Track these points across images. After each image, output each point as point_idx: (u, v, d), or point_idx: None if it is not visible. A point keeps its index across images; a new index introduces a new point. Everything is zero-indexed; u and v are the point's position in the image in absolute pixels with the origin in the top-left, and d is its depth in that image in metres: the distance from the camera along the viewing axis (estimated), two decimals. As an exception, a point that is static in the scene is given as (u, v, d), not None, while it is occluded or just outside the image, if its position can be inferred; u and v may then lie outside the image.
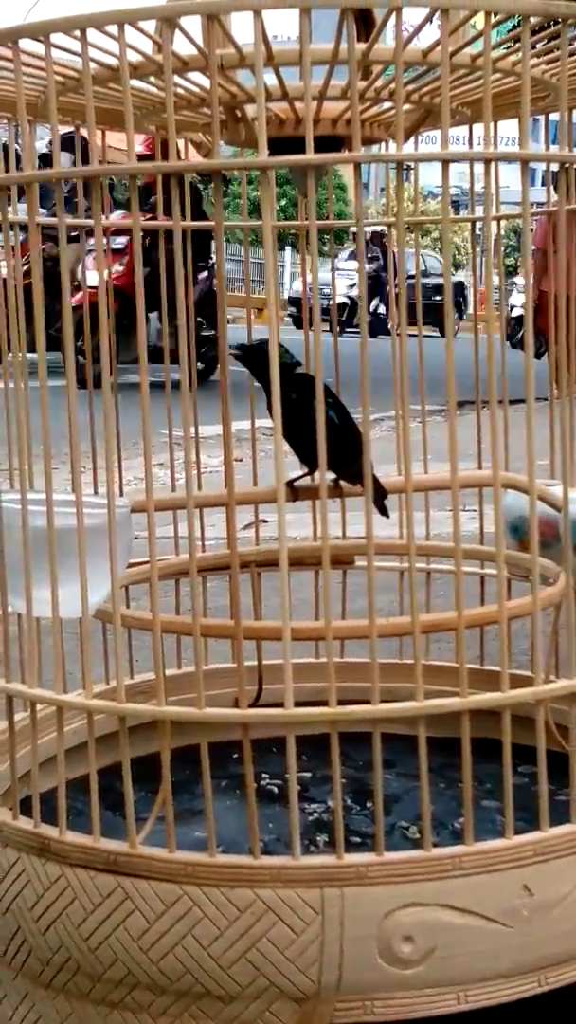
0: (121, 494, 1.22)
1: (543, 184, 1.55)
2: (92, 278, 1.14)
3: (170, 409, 1.27)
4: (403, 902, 0.77)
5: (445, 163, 0.75)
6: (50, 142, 0.81)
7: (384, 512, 1.03)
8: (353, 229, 1.12)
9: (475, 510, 1.33)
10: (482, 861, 0.78)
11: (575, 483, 0.94)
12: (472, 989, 0.77)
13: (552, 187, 1.24)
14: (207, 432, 1.49)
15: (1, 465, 1.02)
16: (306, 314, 1.61)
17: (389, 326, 1.35)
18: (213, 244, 0.82)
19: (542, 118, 1.14)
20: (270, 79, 0.87)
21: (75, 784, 0.89)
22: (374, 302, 9.08)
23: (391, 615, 1.36)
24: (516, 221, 1.22)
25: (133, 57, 0.81)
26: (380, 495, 1.01)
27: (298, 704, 0.77)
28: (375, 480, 0.98)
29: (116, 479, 1.14)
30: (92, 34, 0.74)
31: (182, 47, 0.79)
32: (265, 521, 1.51)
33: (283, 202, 11.26)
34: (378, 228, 1.38)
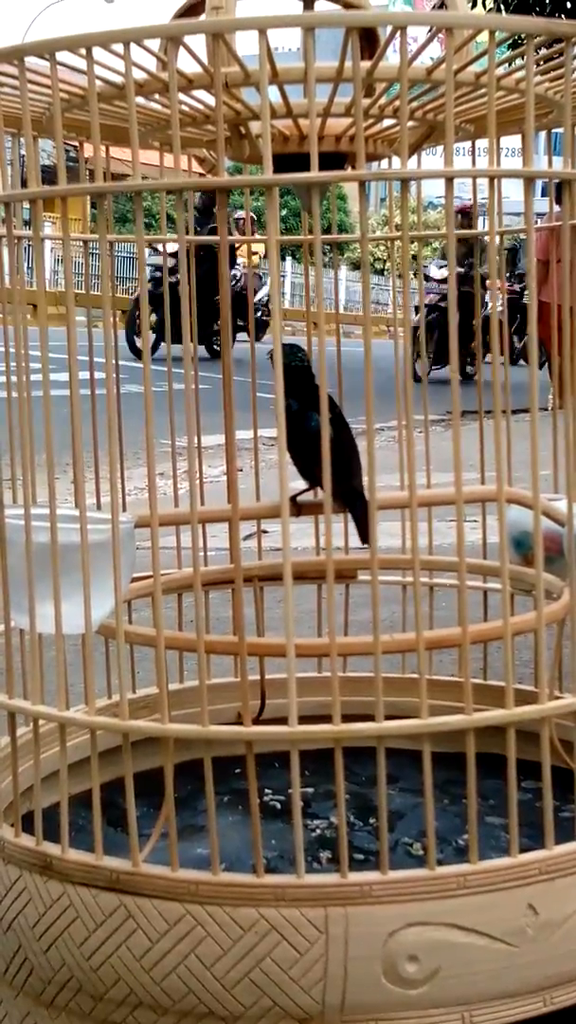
0: (124, 505, 1.22)
1: (544, 195, 1.55)
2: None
3: (173, 418, 1.27)
4: (408, 921, 0.76)
5: (449, 180, 0.75)
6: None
7: (366, 541, 1.03)
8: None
9: (476, 520, 1.32)
10: (487, 880, 0.78)
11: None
12: (477, 1009, 0.77)
13: (554, 198, 1.24)
14: (208, 442, 1.49)
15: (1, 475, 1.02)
16: (309, 326, 1.61)
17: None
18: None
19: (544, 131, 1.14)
20: (274, 95, 0.87)
21: (77, 799, 0.89)
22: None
23: (393, 626, 1.36)
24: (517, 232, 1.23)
25: (138, 75, 0.81)
26: (363, 533, 1.01)
27: (302, 719, 0.76)
28: (363, 511, 0.97)
29: (119, 491, 1.14)
30: (97, 52, 0.74)
31: (187, 64, 0.79)
32: (266, 532, 1.51)
33: (283, 212, 11.29)
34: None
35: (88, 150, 1.03)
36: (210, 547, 1.36)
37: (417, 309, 1.18)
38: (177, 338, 0.83)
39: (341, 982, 0.76)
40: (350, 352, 1.31)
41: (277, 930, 0.76)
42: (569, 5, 7.55)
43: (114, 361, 0.81)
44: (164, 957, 0.78)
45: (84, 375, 0.96)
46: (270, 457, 3.77)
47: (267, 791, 1.13)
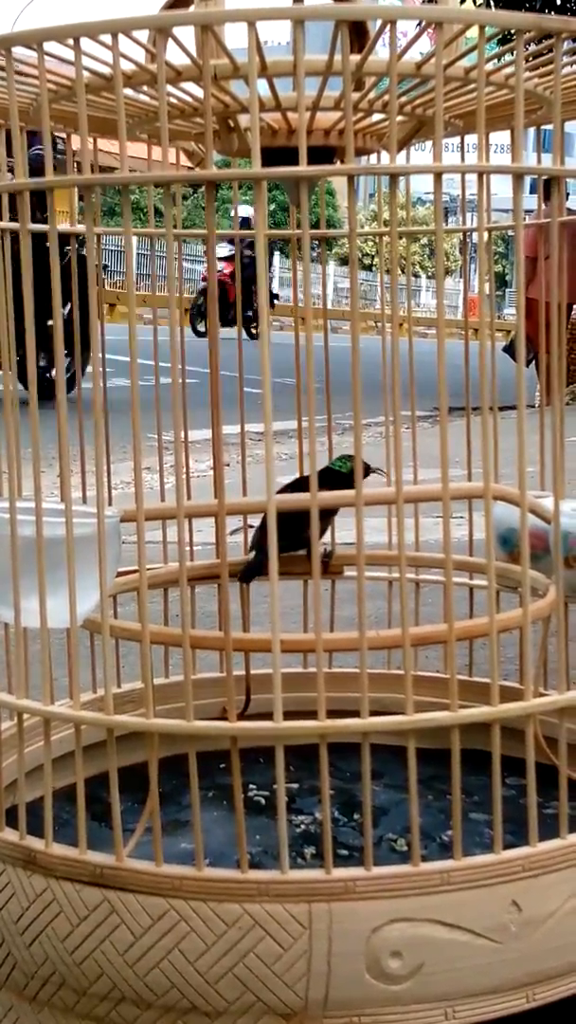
0: (110, 499, 1.21)
1: (532, 192, 1.55)
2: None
3: (159, 412, 1.27)
4: (391, 917, 0.76)
5: (438, 175, 0.75)
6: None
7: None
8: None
9: (463, 516, 1.32)
10: (471, 876, 0.78)
11: (565, 495, 0.94)
12: (460, 1005, 0.77)
13: (542, 195, 1.24)
14: (195, 436, 1.49)
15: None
16: (298, 321, 1.60)
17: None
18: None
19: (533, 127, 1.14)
20: (263, 89, 0.87)
21: (61, 794, 0.88)
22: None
23: (379, 622, 1.36)
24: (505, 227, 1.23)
25: (126, 66, 0.81)
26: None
27: (287, 714, 0.76)
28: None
29: (105, 486, 1.13)
30: (85, 43, 0.73)
31: (175, 56, 0.79)
32: (252, 527, 1.51)
33: (272, 207, 11.28)
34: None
35: (76, 142, 1.03)
36: (196, 541, 1.35)
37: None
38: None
39: (324, 978, 0.76)
40: (337, 347, 1.31)
41: (261, 925, 0.76)
42: (559, 0, 7.56)
43: (101, 354, 0.81)
44: (147, 952, 0.78)
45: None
46: (257, 452, 3.77)
47: (252, 786, 1.13)
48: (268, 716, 0.77)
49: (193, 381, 1.30)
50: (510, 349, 4.51)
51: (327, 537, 1.28)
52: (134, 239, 0.90)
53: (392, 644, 0.88)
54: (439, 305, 0.79)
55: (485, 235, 1.18)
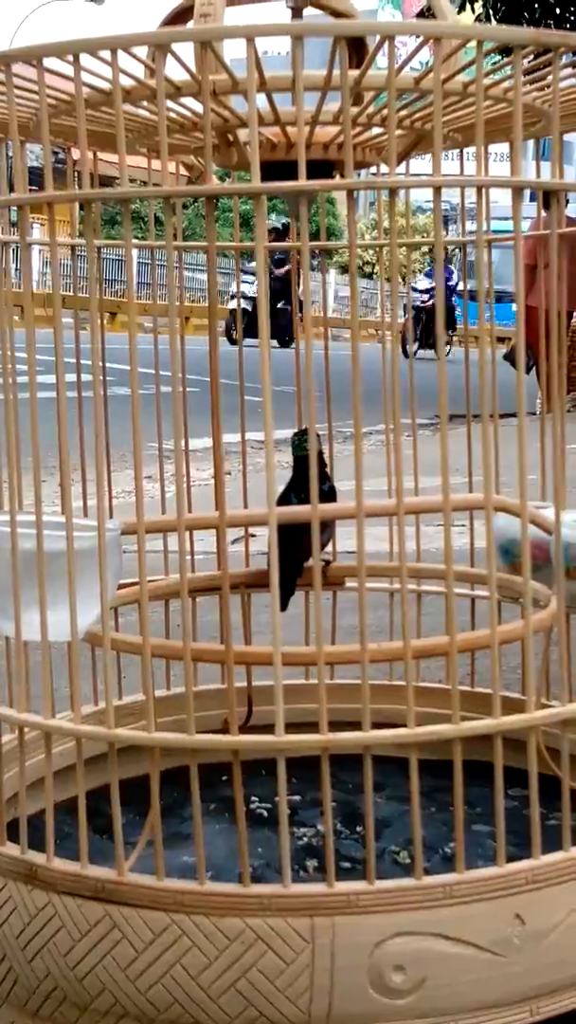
0: (110, 510, 1.21)
1: (532, 200, 1.56)
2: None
3: (160, 421, 1.27)
4: (394, 931, 0.76)
5: (437, 189, 0.75)
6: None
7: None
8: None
9: (464, 525, 1.32)
10: (474, 889, 0.77)
11: (567, 505, 0.94)
12: (463, 1019, 0.77)
13: (542, 203, 1.24)
14: (196, 445, 1.49)
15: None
16: (297, 331, 1.60)
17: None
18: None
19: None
20: (262, 102, 0.87)
21: (63, 806, 0.88)
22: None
23: (381, 631, 1.36)
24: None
25: (126, 82, 0.81)
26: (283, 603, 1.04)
27: (288, 726, 0.76)
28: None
29: (105, 496, 1.13)
30: (85, 59, 0.73)
31: (175, 72, 0.79)
32: (254, 536, 1.51)
33: (272, 216, 11.30)
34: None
35: (76, 154, 1.03)
36: (197, 550, 1.35)
37: (405, 309, 1.19)
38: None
39: (327, 992, 0.76)
40: (337, 355, 1.31)
41: (263, 940, 0.76)
42: (558, 11, 7.58)
43: (101, 363, 0.81)
44: (149, 967, 0.77)
45: (71, 378, 0.96)
46: (258, 460, 3.77)
47: (254, 799, 1.12)
48: (271, 728, 0.76)
49: (194, 390, 1.30)
50: (511, 357, 4.51)
51: (328, 546, 1.28)
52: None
53: (393, 657, 0.88)
54: (438, 312, 0.79)
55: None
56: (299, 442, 1.13)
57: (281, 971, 0.76)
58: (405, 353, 1.58)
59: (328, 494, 1.12)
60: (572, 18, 7.60)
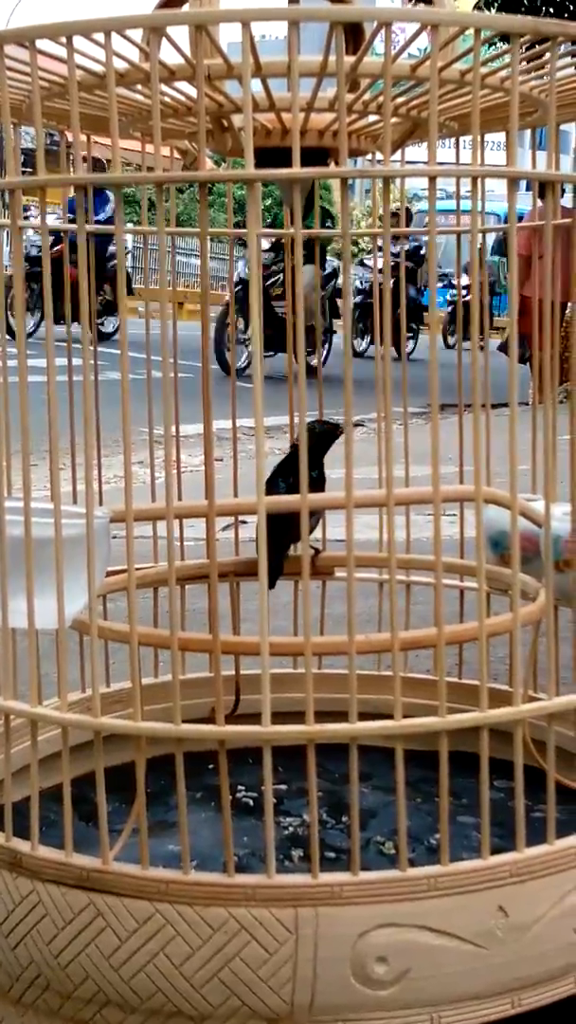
0: (100, 496, 1.21)
1: (528, 190, 1.55)
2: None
3: (151, 407, 1.26)
4: (378, 922, 0.76)
5: (432, 178, 0.74)
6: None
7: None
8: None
9: (454, 514, 1.32)
10: (458, 882, 0.78)
11: (557, 497, 0.94)
12: (446, 1010, 0.77)
13: (537, 193, 1.24)
14: (187, 431, 1.48)
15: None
16: (290, 318, 1.59)
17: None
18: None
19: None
20: (257, 87, 0.86)
21: (48, 794, 0.88)
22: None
23: (369, 621, 1.36)
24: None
25: (120, 65, 0.80)
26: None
27: (275, 715, 0.76)
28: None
29: (95, 483, 1.13)
30: (79, 40, 0.73)
31: (169, 55, 0.78)
32: (244, 522, 1.51)
33: (267, 201, 11.24)
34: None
35: (70, 137, 1.02)
36: (187, 536, 1.35)
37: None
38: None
39: (310, 982, 0.76)
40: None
41: (247, 930, 0.76)
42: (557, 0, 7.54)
43: (91, 347, 0.80)
44: (133, 956, 0.77)
45: (61, 362, 0.95)
46: (249, 447, 3.77)
47: (240, 787, 1.12)
48: (258, 716, 0.76)
49: (186, 375, 1.29)
50: (505, 347, 4.51)
51: (317, 533, 1.28)
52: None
53: (381, 648, 0.88)
54: (432, 304, 0.79)
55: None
56: (318, 429, 1.13)
57: (264, 961, 0.76)
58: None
59: (317, 480, 1.11)
60: (571, 7, 7.58)
